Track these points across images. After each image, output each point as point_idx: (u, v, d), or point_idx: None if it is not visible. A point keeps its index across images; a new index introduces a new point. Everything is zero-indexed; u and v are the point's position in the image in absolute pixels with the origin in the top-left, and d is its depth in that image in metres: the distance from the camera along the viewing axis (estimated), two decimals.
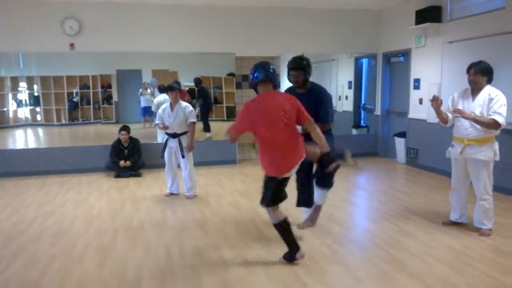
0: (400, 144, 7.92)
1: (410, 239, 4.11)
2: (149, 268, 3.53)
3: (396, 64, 8.32)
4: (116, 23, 7.39)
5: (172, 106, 5.58)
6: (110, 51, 7.27)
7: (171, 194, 5.84)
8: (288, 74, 4.11)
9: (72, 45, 7.22)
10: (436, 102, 4.21)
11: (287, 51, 8.20)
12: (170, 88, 5.55)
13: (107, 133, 7.76)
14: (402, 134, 7.86)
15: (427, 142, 7.22)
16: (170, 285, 3.23)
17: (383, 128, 8.60)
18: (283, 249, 3.82)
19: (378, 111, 8.65)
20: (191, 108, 5.63)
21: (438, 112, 4.25)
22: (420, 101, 7.38)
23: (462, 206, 4.40)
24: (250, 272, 3.42)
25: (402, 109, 8.01)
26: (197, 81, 8.33)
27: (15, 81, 7.68)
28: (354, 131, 9.00)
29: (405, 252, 3.79)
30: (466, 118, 4.02)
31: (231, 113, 8.37)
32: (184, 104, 5.62)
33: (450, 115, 4.28)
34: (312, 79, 4.19)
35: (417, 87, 7.48)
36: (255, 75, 3.46)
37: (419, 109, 7.42)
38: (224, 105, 8.44)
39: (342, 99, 9.11)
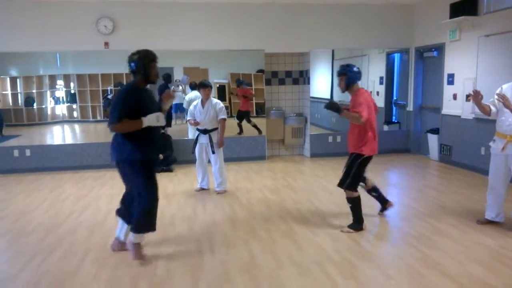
0: (433, 140, 7.73)
1: (443, 237, 4.03)
2: (181, 262, 3.60)
3: (429, 59, 8.12)
4: (149, 22, 7.53)
5: (203, 102, 5.65)
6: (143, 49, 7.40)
7: (202, 189, 5.93)
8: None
9: (106, 43, 7.42)
10: (476, 97, 4.10)
11: (317, 47, 8.16)
12: (203, 85, 5.63)
13: None
14: (435, 131, 7.67)
15: (461, 138, 7.02)
16: (201, 280, 3.29)
17: (416, 124, 8.42)
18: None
19: (410, 107, 8.48)
20: (221, 104, 5.68)
21: (480, 107, 4.16)
22: (454, 97, 7.18)
23: (499, 204, 4.27)
24: (279, 267, 3.45)
25: (435, 104, 7.82)
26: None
27: (53, 79, 7.95)
28: (386, 127, 8.85)
29: (437, 250, 3.72)
30: (507, 106, 3.90)
31: (260, 109, 8.38)
32: (215, 100, 5.68)
33: (493, 109, 4.17)
34: None
35: (451, 82, 7.28)
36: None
37: (453, 105, 7.22)
38: (254, 101, 8.46)
39: (373, 95, 8.96)
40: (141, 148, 3.46)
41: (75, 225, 4.59)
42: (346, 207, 4.32)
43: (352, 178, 4.18)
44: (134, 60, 3.49)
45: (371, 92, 8.95)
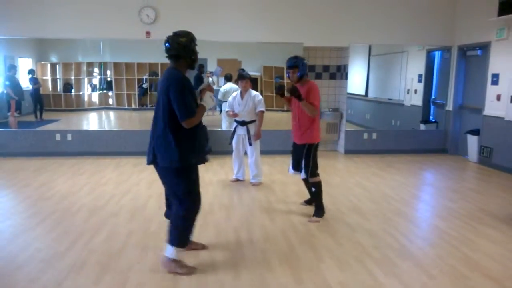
0: (472, 141, 7.55)
1: (484, 240, 3.95)
2: (221, 249, 3.67)
3: (472, 58, 7.90)
4: (189, 12, 7.63)
5: (242, 94, 5.70)
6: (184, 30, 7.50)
7: (237, 180, 5.99)
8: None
9: (148, 33, 7.56)
10: None
11: (356, 42, 8.07)
12: (241, 76, 5.66)
13: None
14: (475, 132, 7.48)
15: (504, 141, 6.82)
16: (242, 268, 3.34)
17: (455, 125, 8.23)
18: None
19: (449, 107, 8.28)
20: (260, 97, 5.71)
21: None
22: (498, 98, 6.97)
23: None
24: (319, 261, 3.47)
25: (476, 105, 7.62)
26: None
27: (90, 66, 8.16)
28: (422, 126, 8.69)
29: (479, 252, 3.65)
30: None
31: None
32: (254, 92, 5.71)
33: None
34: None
35: (495, 82, 7.07)
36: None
37: (496, 106, 7.01)
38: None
39: (411, 93, 8.82)
40: (192, 152, 3.13)
41: (117, 209, 4.74)
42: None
43: (312, 165, 4.46)
44: (182, 43, 3.10)
45: (408, 90, 8.83)
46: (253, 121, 5.73)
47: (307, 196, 4.94)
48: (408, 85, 8.86)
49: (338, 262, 3.44)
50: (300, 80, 4.40)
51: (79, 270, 3.25)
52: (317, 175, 4.47)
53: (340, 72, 8.41)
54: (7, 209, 4.80)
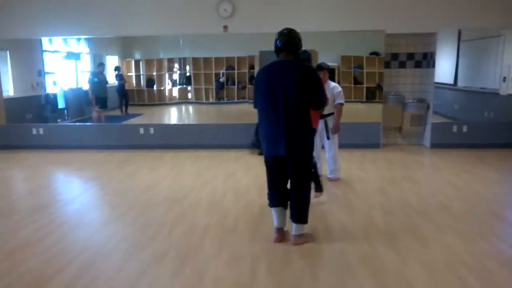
0: None
1: None
2: (298, 247, 3.55)
3: None
4: (264, 4, 7.54)
5: None
6: (259, 32, 7.44)
7: None
8: None
9: (225, 27, 7.61)
10: None
11: (444, 27, 7.46)
12: (320, 67, 5.46)
13: (248, 112, 8.08)
14: None
15: None
16: (320, 267, 3.21)
17: None
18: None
19: None
20: (340, 89, 5.47)
21: None
22: None
23: None
24: (404, 264, 3.21)
25: None
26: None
27: (171, 62, 8.42)
28: None
29: None
30: None
31: (371, 94, 7.96)
32: (332, 84, 5.49)
33: None
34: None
35: None
36: None
37: None
38: (365, 85, 8.05)
39: (508, 81, 7.97)
40: (313, 139, 3.50)
41: (196, 202, 4.81)
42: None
43: None
44: (299, 39, 3.42)
45: (505, 78, 7.99)
46: (332, 113, 5.48)
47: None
48: (504, 73, 8.01)
49: (426, 267, 3.16)
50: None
51: (160, 261, 3.32)
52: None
53: (426, 60, 7.83)
54: (94, 200, 5.10)
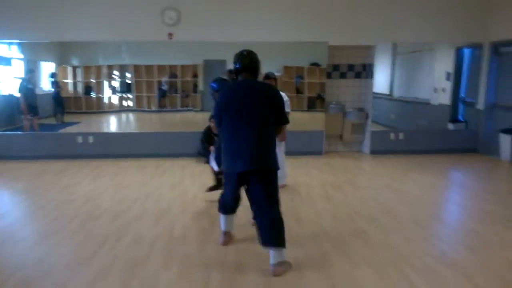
0: (506, 141, 7.22)
1: None
2: (250, 254, 3.51)
3: (506, 55, 7.56)
4: (210, 13, 7.49)
5: None
6: (203, 40, 7.39)
7: None
8: None
9: (170, 34, 7.45)
10: None
11: (382, 41, 7.83)
12: (267, 77, 5.49)
13: (192, 120, 7.97)
14: (509, 131, 7.16)
15: None
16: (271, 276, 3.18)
17: (487, 124, 7.90)
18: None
19: (480, 105, 7.97)
20: (286, 98, 5.53)
21: None
22: None
23: None
24: (354, 267, 3.27)
25: (511, 103, 7.28)
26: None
27: (110, 69, 8.10)
28: (451, 126, 8.38)
29: None
30: None
31: (312, 104, 8.16)
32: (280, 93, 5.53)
33: None
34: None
35: None
36: None
37: None
38: (306, 95, 8.24)
39: (438, 91, 8.51)
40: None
41: (141, 212, 4.62)
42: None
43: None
44: (258, 61, 3.44)
45: (436, 88, 8.53)
46: None
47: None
48: (436, 84, 8.56)
49: (375, 269, 3.24)
50: None
51: (105, 276, 3.13)
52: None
53: (365, 71, 8.17)
54: (29, 213, 4.74)
